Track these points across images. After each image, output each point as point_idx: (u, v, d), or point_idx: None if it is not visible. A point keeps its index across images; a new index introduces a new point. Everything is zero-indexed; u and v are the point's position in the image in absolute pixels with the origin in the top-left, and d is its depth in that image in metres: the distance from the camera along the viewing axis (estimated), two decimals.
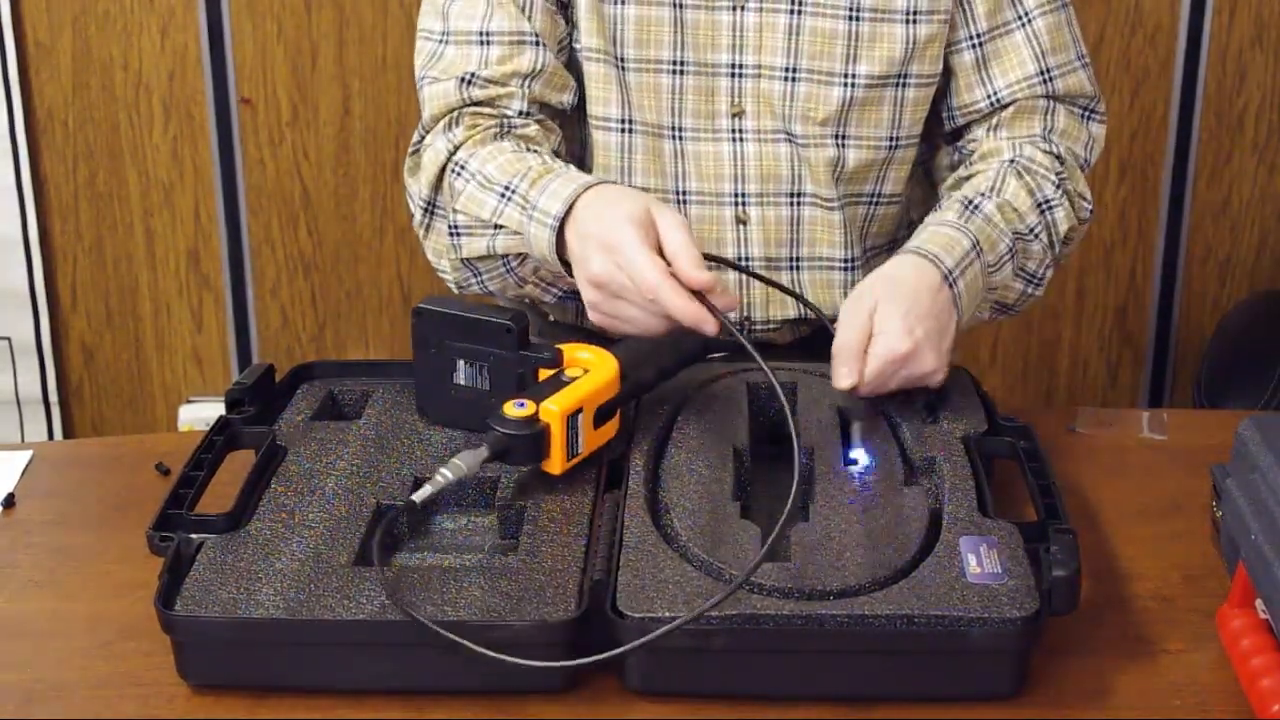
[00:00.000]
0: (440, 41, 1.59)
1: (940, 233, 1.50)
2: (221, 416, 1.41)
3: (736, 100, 1.59)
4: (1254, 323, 2.67)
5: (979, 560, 1.18)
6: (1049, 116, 1.63)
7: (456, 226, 1.53)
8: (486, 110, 1.56)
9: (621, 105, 1.60)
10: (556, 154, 1.58)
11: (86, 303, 2.88)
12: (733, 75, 1.58)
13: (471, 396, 1.38)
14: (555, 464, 1.30)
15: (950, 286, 1.45)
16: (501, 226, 1.49)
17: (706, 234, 1.63)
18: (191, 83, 2.74)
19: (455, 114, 1.57)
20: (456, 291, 1.60)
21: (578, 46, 1.60)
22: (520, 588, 1.17)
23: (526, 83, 1.57)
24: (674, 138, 1.60)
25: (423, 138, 1.59)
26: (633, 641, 1.13)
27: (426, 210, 1.57)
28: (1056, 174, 1.59)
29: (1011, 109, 1.62)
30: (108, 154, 2.79)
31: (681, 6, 1.56)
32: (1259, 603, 1.18)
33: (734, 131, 1.60)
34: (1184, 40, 2.73)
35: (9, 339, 2.85)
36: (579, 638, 1.14)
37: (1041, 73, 1.61)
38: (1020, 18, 1.60)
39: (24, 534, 1.40)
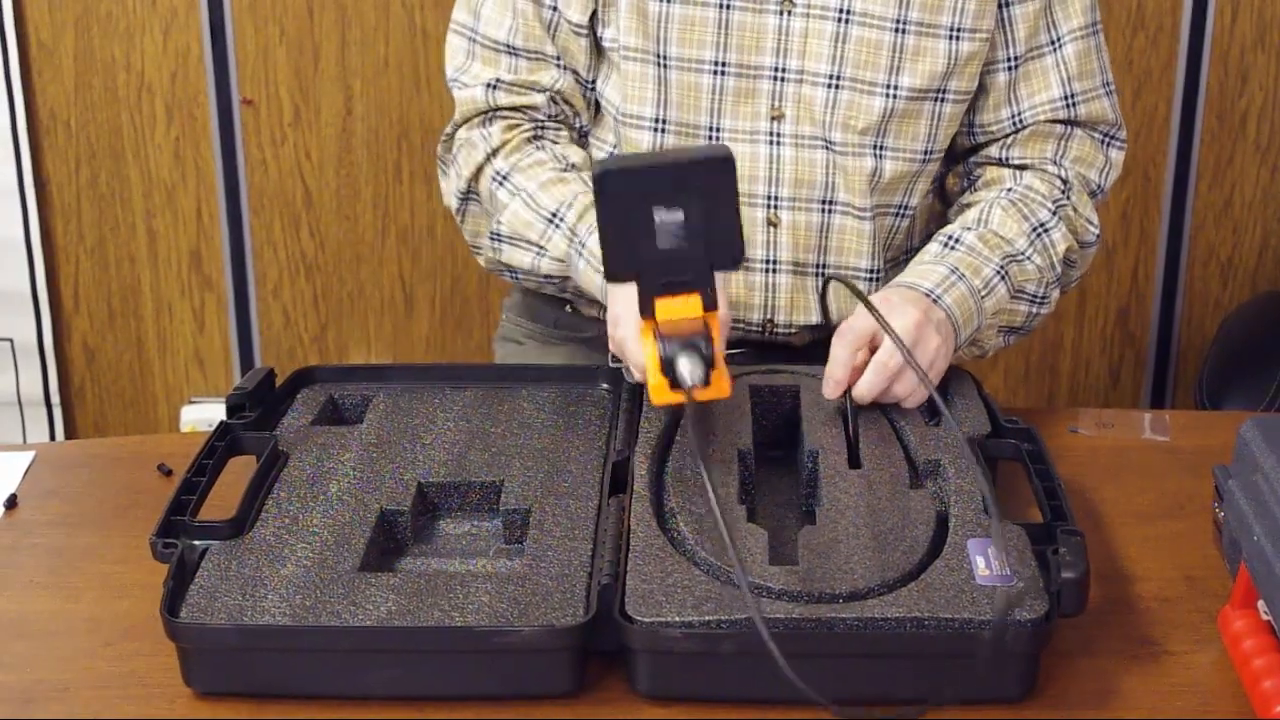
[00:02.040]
0: (470, 40, 1.66)
1: (915, 269, 1.55)
2: (222, 422, 1.40)
3: (777, 104, 1.59)
4: (1256, 324, 2.66)
5: (987, 563, 1.19)
6: (1064, 141, 1.65)
7: (499, 235, 1.64)
8: (518, 115, 1.66)
9: (658, 104, 1.61)
10: (582, 142, 1.70)
11: (88, 303, 2.88)
12: (775, 79, 1.59)
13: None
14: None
15: (935, 301, 1.49)
16: (546, 250, 1.60)
17: None
18: (193, 83, 2.74)
19: (486, 115, 1.66)
20: (486, 268, 1.71)
21: (614, 45, 1.61)
22: (527, 593, 1.17)
23: (548, 95, 1.65)
24: (711, 138, 1.61)
25: (454, 132, 1.69)
26: (641, 644, 1.13)
27: (463, 198, 1.68)
28: (1054, 201, 1.62)
29: (1028, 130, 1.64)
30: (110, 155, 2.79)
31: (728, 8, 1.56)
32: (1261, 604, 1.18)
33: (772, 135, 1.60)
34: (1186, 41, 2.73)
35: (11, 340, 2.85)
36: (587, 642, 1.14)
37: (1065, 97, 1.64)
38: (1053, 42, 1.62)
39: (26, 534, 1.40)
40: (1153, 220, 2.85)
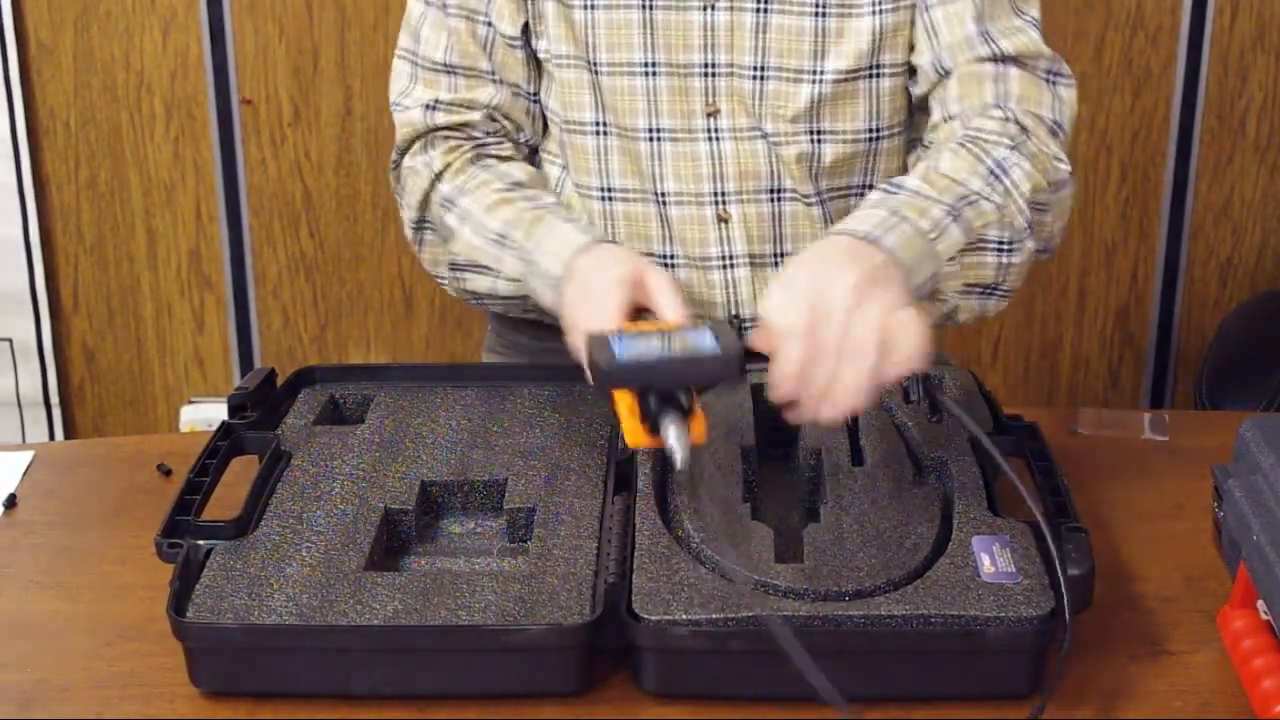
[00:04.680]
0: (413, 64, 1.64)
1: (852, 216, 1.36)
2: (224, 422, 1.41)
3: (711, 99, 1.59)
4: (1255, 324, 2.67)
5: (992, 559, 1.19)
6: (999, 83, 1.53)
7: (457, 264, 1.59)
8: (457, 134, 1.62)
9: (596, 109, 1.60)
10: (534, 164, 1.66)
11: (88, 303, 2.88)
12: (706, 75, 1.58)
13: None
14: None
15: (874, 243, 1.29)
16: (501, 271, 1.54)
17: (689, 234, 1.63)
18: (193, 83, 2.74)
19: (425, 139, 1.63)
20: (458, 298, 1.66)
21: (547, 55, 1.60)
22: (534, 592, 1.17)
23: (486, 112, 1.62)
24: (650, 139, 1.60)
25: (399, 161, 1.66)
26: (649, 642, 1.13)
27: (417, 228, 1.64)
28: (1011, 138, 1.49)
29: (954, 77, 1.54)
30: (109, 154, 2.79)
31: (651, 8, 1.55)
32: (1260, 604, 1.18)
33: (710, 131, 1.60)
34: (1185, 41, 2.73)
35: (10, 340, 2.85)
36: (594, 641, 1.15)
37: (982, 33, 1.53)
38: None
39: (25, 534, 1.40)
40: (1152, 220, 2.85)
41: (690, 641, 1.13)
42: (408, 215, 1.64)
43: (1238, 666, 1.18)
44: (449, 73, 1.62)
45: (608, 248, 1.45)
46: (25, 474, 1.49)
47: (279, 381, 1.49)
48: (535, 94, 1.66)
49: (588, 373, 1.24)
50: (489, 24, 1.61)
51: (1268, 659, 1.15)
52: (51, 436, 2.91)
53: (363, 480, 1.32)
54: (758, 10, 1.55)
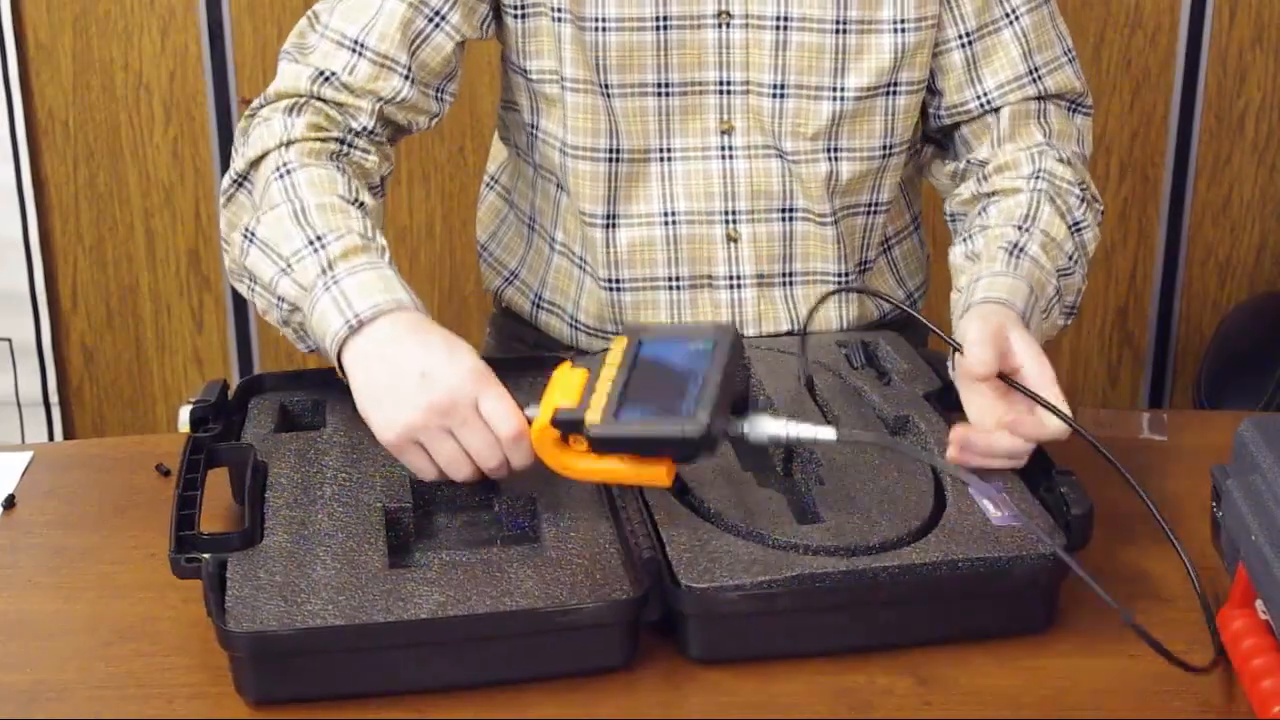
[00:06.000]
0: (319, 34, 1.55)
1: (1000, 281, 1.43)
2: (191, 436, 1.37)
3: (725, 117, 1.58)
4: (1254, 324, 2.67)
5: (995, 505, 1.25)
6: (1044, 120, 1.60)
7: (253, 234, 1.42)
8: (332, 114, 1.51)
9: (609, 135, 1.58)
10: (384, 180, 1.55)
11: (87, 303, 2.88)
12: (721, 93, 1.57)
13: None
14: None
15: (1026, 325, 1.41)
16: (293, 270, 1.38)
17: (696, 253, 1.62)
18: (192, 83, 2.74)
19: (301, 101, 1.52)
20: (229, 270, 1.48)
21: (552, 78, 1.58)
22: (569, 573, 1.19)
23: (381, 104, 1.53)
24: (661, 160, 1.59)
25: (258, 109, 1.54)
26: (698, 610, 1.17)
27: (236, 183, 1.50)
28: (1080, 185, 1.56)
29: (1006, 114, 1.59)
30: (108, 154, 2.79)
31: (665, 28, 1.54)
32: (1259, 604, 1.18)
33: (723, 149, 1.59)
34: (1184, 41, 2.73)
35: (9, 340, 2.85)
36: (642, 614, 1.18)
37: (1030, 71, 1.58)
38: (1008, 15, 1.57)
39: (24, 535, 1.40)
40: (1151, 220, 2.85)
41: (739, 605, 1.17)
42: (236, 165, 1.49)
43: (1238, 667, 1.18)
44: (354, 51, 1.51)
45: (422, 316, 1.35)
46: (24, 474, 1.49)
47: (284, 381, 1.48)
48: (447, 91, 1.58)
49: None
50: (437, 20, 1.53)
51: (1267, 659, 1.15)
52: (51, 436, 2.91)
53: (350, 482, 1.32)
54: (777, 27, 1.53)
